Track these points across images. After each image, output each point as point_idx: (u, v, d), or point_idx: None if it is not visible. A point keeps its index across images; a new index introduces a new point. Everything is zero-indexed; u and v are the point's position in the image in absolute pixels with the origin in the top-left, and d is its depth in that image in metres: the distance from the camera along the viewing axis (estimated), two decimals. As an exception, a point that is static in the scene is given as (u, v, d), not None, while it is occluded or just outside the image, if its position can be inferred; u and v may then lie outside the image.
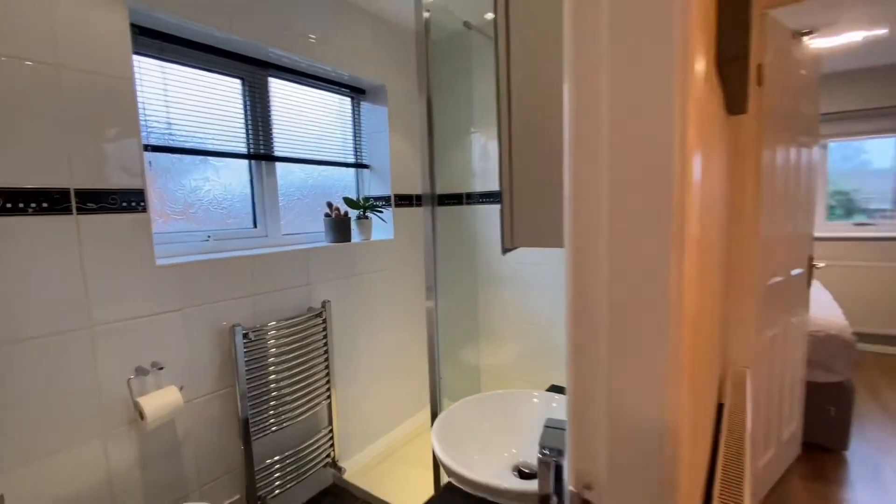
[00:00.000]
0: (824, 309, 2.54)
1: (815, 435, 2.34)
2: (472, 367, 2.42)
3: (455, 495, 0.93)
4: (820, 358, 2.26)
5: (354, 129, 2.42)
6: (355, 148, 2.42)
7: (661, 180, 0.42)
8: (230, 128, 1.85)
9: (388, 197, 2.42)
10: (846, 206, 4.04)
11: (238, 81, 1.89)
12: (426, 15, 1.68)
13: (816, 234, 3.98)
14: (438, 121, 1.73)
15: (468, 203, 2.37)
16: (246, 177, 1.97)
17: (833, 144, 4.01)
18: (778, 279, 1.90)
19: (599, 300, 0.48)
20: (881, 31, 2.76)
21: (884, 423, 2.65)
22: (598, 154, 0.46)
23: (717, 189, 1.06)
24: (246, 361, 1.69)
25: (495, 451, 1.07)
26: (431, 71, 1.66)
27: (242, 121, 1.90)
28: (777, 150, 1.80)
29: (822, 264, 2.44)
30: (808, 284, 2.19)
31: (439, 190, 2.20)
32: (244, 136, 1.91)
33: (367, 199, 2.42)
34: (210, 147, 1.79)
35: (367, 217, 2.29)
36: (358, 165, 2.44)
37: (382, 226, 2.45)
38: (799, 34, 2.71)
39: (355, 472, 2.19)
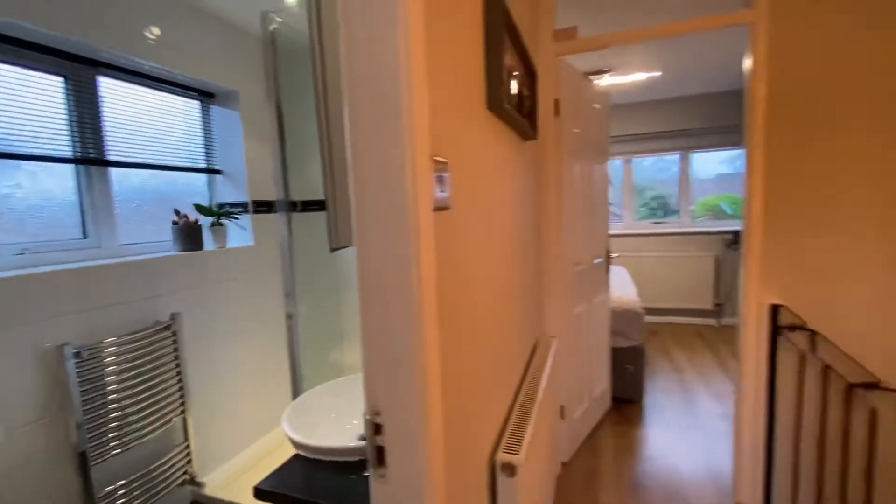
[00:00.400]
0: (623, 289, 3.22)
1: (621, 390, 2.96)
2: (338, 367, 2.52)
3: (301, 463, 1.06)
4: (620, 328, 2.88)
5: (205, 133, 2.35)
6: (207, 153, 2.36)
7: (397, 195, 0.63)
8: (49, 129, 1.69)
9: (246, 203, 2.41)
10: (664, 208, 5.09)
11: (60, 80, 1.73)
12: (273, 27, 1.76)
13: (627, 231, 4.94)
14: (298, 128, 1.82)
15: (329, 209, 2.48)
16: (71, 183, 1.81)
17: (653, 158, 5.03)
18: (582, 267, 2.40)
19: (374, 283, 0.67)
20: (657, 74, 3.60)
21: (671, 375, 3.45)
22: (357, 162, 0.65)
23: (514, 196, 1.37)
24: (79, 382, 1.57)
25: (341, 424, 1.22)
26: (287, 79, 1.75)
27: (66, 122, 1.75)
28: (575, 167, 2.28)
29: (615, 254, 3.09)
30: (607, 271, 2.77)
31: (301, 196, 2.27)
32: (68, 138, 1.75)
33: (221, 205, 2.37)
34: (22, 150, 1.62)
35: (221, 224, 2.25)
36: (210, 171, 2.38)
37: (241, 233, 2.43)
38: (588, 75, 3.38)
39: (218, 485, 2.13)
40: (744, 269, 1.87)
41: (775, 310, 1.79)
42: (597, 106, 2.56)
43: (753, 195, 1.81)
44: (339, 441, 1.06)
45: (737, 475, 1.98)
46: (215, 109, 2.40)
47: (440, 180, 0.72)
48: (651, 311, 4.82)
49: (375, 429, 0.73)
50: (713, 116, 4.49)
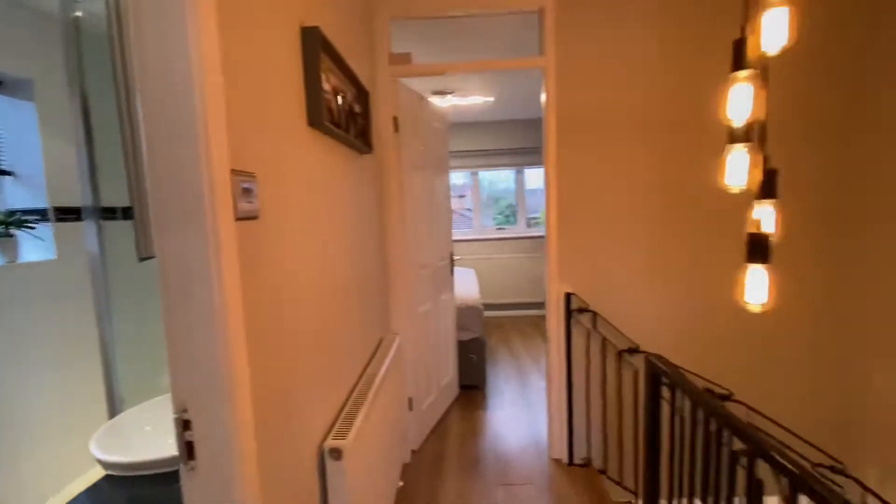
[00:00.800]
0: (467, 288, 3.60)
1: (468, 378, 3.29)
2: (166, 388, 2.32)
3: (112, 484, 1.01)
4: (464, 322, 3.21)
5: (-16, 127, 1.97)
6: (-13, 151, 1.97)
7: (194, 203, 0.69)
8: None
9: (45, 210, 2.07)
10: (515, 215, 5.72)
11: None
12: (77, 14, 1.60)
13: (477, 236, 5.46)
14: (113, 125, 1.65)
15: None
16: None
17: (507, 171, 5.61)
18: (427, 269, 2.63)
19: (176, 285, 0.72)
20: (490, 99, 4.11)
21: (510, 361, 3.94)
22: (153, 168, 0.70)
23: (347, 204, 1.48)
24: None
25: (160, 437, 1.19)
26: (98, 72, 1.59)
27: None
28: (416, 178, 2.50)
29: (458, 257, 3.44)
30: (452, 272, 3.08)
31: (122, 201, 2.04)
32: None
33: (11, 212, 2.01)
34: None
35: (10, 235, 1.91)
36: (-7, 172, 1.99)
37: (39, 245, 2.07)
38: (435, 94, 3.71)
39: (10, 546, 1.79)
40: (547, 266, 2.30)
41: (568, 297, 2.24)
42: (436, 125, 2.84)
43: (550, 206, 2.24)
44: (156, 453, 1.04)
45: (550, 435, 2.40)
46: (2, 99, 2.02)
47: (246, 191, 0.80)
48: (497, 307, 5.41)
49: (184, 425, 0.77)
50: (537, 139, 5.27)
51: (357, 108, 1.69)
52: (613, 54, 2.15)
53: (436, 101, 3.92)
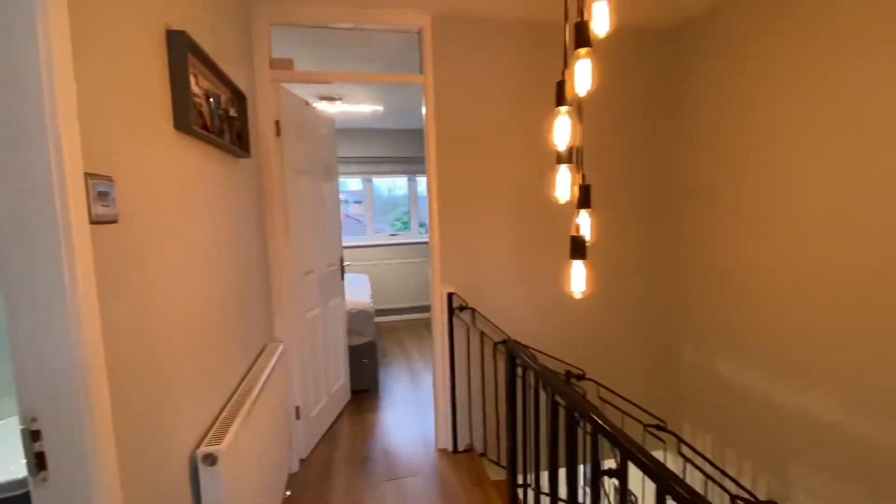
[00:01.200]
0: (359, 293, 3.64)
1: (360, 382, 3.33)
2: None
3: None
4: (355, 326, 3.25)
5: None
6: None
7: (40, 205, 0.69)
8: None
9: None
10: (408, 221, 5.83)
11: None
12: None
13: (370, 242, 5.50)
14: None
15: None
16: None
17: (401, 178, 5.70)
18: (315, 274, 2.63)
19: (19, 287, 0.70)
20: (379, 108, 4.21)
21: (403, 363, 4.06)
22: None
23: (222, 209, 1.45)
24: None
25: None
26: None
27: None
28: (302, 183, 2.50)
29: (348, 262, 3.48)
30: (342, 277, 3.11)
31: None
32: None
33: None
34: None
35: None
36: None
37: None
38: (322, 99, 3.72)
39: None
40: (431, 268, 2.47)
41: (450, 297, 2.43)
42: (323, 130, 2.86)
43: (433, 212, 2.42)
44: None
45: (436, 427, 2.56)
46: None
47: (102, 194, 0.80)
48: (391, 311, 5.51)
49: (33, 436, 0.74)
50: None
51: (233, 112, 1.67)
52: (481, 78, 2.41)
53: (323, 106, 3.91)
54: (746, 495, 2.15)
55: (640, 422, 2.29)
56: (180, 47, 1.13)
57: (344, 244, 5.41)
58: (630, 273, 2.72)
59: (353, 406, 3.18)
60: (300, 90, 3.48)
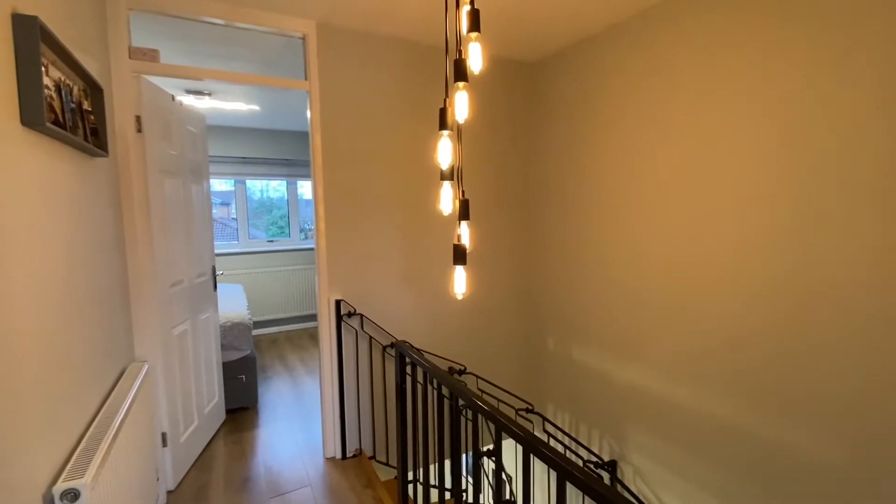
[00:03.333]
0: (233, 305, 3.40)
1: (236, 400, 3.10)
2: None
3: None
4: (230, 341, 3.03)
5: None
6: None
7: None
8: None
9: None
10: (287, 226, 5.49)
11: None
12: None
13: (244, 249, 5.12)
14: None
15: None
16: None
17: (278, 181, 5.35)
18: (183, 286, 2.40)
19: None
20: (255, 107, 3.98)
21: (284, 376, 3.87)
22: None
23: (72, 214, 1.28)
24: None
25: None
26: None
27: None
28: (167, 185, 2.27)
29: (221, 272, 3.24)
30: (214, 287, 2.88)
31: None
32: None
33: None
34: None
35: None
36: None
37: None
38: (190, 93, 3.42)
39: None
40: (317, 276, 2.45)
41: (338, 304, 2.44)
42: (191, 128, 2.63)
43: (319, 219, 2.41)
44: None
45: (324, 436, 2.54)
46: None
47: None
48: (271, 323, 5.19)
49: None
50: (308, 152, 5.36)
51: (87, 105, 1.48)
52: (367, 90, 2.49)
53: (190, 101, 3.56)
54: (595, 459, 2.58)
55: (513, 407, 2.58)
56: (29, 33, 1.00)
57: (218, 251, 4.97)
58: (504, 274, 3.04)
59: (230, 426, 2.95)
60: (164, 83, 3.14)
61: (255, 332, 5.09)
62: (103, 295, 1.64)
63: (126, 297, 1.94)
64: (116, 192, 1.88)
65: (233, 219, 5.29)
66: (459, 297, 1.38)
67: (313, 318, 5.41)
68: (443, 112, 1.31)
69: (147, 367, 1.86)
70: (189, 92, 3.47)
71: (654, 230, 2.27)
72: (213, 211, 5.52)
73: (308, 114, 2.37)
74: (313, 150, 2.38)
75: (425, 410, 1.82)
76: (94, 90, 1.54)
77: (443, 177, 1.40)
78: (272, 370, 4.02)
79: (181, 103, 2.48)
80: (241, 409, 3.17)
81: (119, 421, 1.41)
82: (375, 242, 2.58)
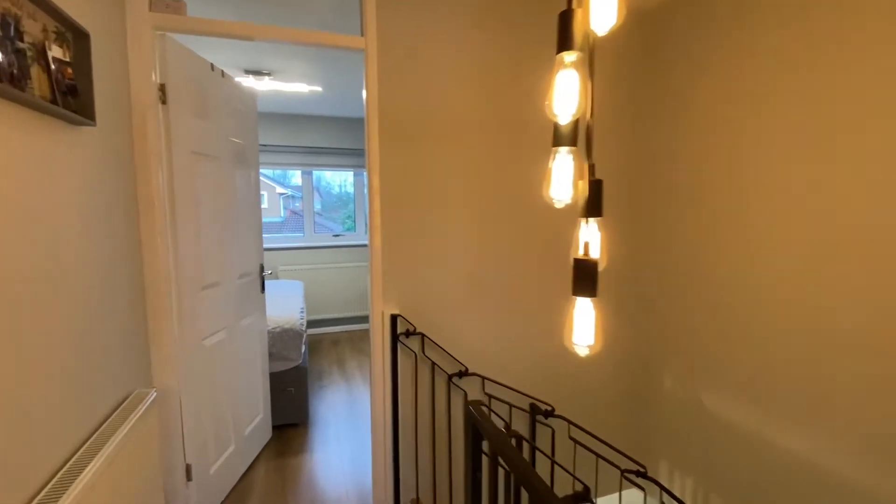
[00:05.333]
0: (288, 307, 3.06)
1: (284, 416, 2.76)
2: None
3: None
4: (278, 349, 2.67)
5: None
6: None
7: None
8: None
9: None
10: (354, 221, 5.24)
11: None
12: None
13: (308, 244, 4.87)
14: None
15: None
16: None
17: (345, 172, 5.11)
18: (218, 288, 2.05)
19: None
20: (318, 88, 3.64)
21: (341, 386, 3.50)
22: None
23: (50, 202, 0.89)
24: None
25: None
26: None
27: None
28: (204, 170, 1.91)
29: (269, 271, 2.89)
30: (262, 288, 2.53)
31: None
32: None
33: None
34: None
35: None
36: None
37: None
38: (248, 74, 3.11)
39: None
40: (370, 283, 1.97)
41: (394, 320, 1.94)
42: (240, 106, 2.28)
43: (374, 214, 1.92)
44: None
45: (374, 478, 2.06)
46: None
47: None
48: (331, 322, 4.91)
49: None
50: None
51: (61, 54, 1.09)
52: (440, 41, 1.94)
53: (250, 83, 3.28)
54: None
55: (616, 466, 1.92)
56: None
57: (280, 246, 4.79)
58: (608, 284, 2.36)
59: (275, 446, 2.60)
60: (220, 61, 2.86)
61: (316, 331, 4.84)
62: (106, 302, 1.27)
63: (140, 306, 1.59)
64: (126, 175, 1.52)
65: (316, 213, 5.07)
66: (584, 351, 0.79)
67: (377, 319, 5.06)
68: (567, 19, 0.72)
69: (154, 395, 1.49)
70: (248, 72, 3.19)
71: (855, 234, 1.48)
72: (296, 204, 5.37)
73: (364, 87, 1.88)
74: (368, 127, 1.89)
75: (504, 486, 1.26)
76: (76, 36, 1.15)
77: (558, 139, 0.81)
78: (328, 377, 3.68)
79: (223, 74, 2.12)
80: (290, 425, 2.82)
81: (103, 460, 1.02)
82: (443, 244, 2.04)
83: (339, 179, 5.73)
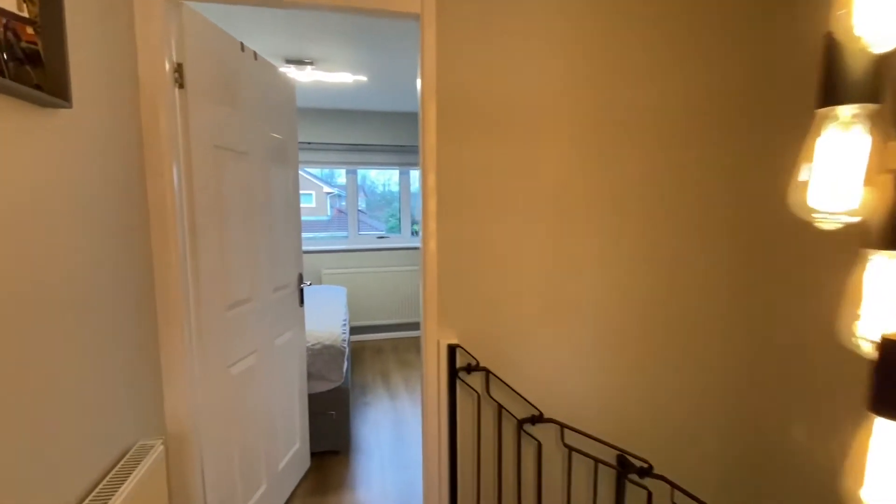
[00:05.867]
0: (328, 319, 2.76)
1: (323, 442, 2.47)
2: None
3: None
4: (318, 369, 2.38)
5: None
6: None
7: None
8: None
9: None
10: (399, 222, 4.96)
11: None
12: None
13: (350, 247, 4.62)
14: None
15: None
16: None
17: (390, 170, 4.83)
18: (248, 306, 1.76)
19: None
20: (363, 78, 3.33)
21: (386, 404, 3.19)
22: None
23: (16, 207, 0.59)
24: None
25: None
26: None
27: None
28: (230, 167, 1.63)
29: (308, 282, 2.60)
30: (301, 301, 2.24)
31: None
32: None
33: None
34: None
35: None
36: None
37: None
38: (289, 63, 2.84)
39: None
40: (422, 303, 1.61)
41: (452, 351, 1.57)
42: (276, 96, 1.99)
43: (428, 220, 1.56)
44: None
45: (426, 540, 1.71)
46: None
47: None
48: (375, 329, 4.64)
49: None
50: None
51: (10, 4, 0.80)
52: (516, 4, 1.54)
53: (292, 73, 3.02)
54: None
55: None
56: None
57: (323, 248, 4.57)
58: (709, 316, 1.87)
59: (313, 479, 2.31)
60: (254, 46, 2.60)
61: (359, 337, 4.58)
62: (83, 346, 0.99)
63: (149, 335, 1.31)
64: (130, 173, 1.24)
65: (359, 212, 4.82)
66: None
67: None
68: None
69: (162, 448, 1.20)
70: (289, 62, 2.93)
71: None
72: (342, 203, 5.16)
73: (419, 67, 1.51)
74: (423, 118, 1.53)
75: None
76: (44, -12, 0.86)
77: (840, 90, 0.38)
78: (372, 392, 3.38)
79: (264, 61, 1.83)
80: (330, 452, 2.53)
81: None
82: (516, 259, 1.64)
83: (383, 178, 5.47)
